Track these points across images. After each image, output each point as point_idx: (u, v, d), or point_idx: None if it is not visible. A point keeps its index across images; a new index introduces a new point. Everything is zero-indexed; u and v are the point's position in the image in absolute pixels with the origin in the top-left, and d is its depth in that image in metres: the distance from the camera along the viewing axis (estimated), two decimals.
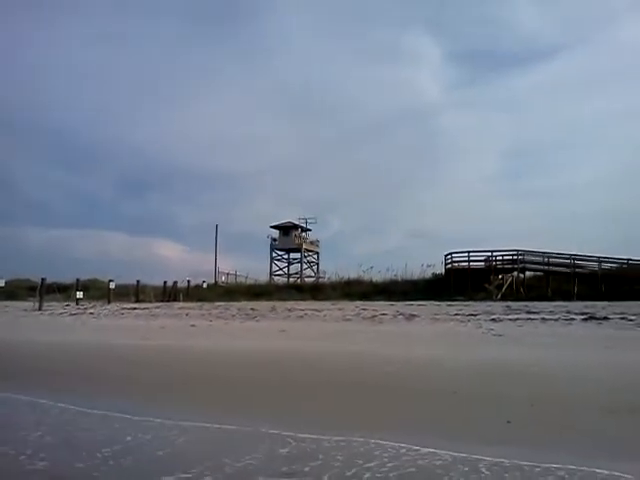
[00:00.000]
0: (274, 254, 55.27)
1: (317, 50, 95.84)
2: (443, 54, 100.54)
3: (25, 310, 27.46)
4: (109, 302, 32.30)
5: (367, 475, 4.69)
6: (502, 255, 35.95)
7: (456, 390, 8.05)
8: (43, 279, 31.66)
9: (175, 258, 74.65)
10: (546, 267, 35.05)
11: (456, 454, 5.22)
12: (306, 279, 51.22)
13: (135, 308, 27.24)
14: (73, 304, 31.37)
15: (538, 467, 4.81)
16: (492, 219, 79.76)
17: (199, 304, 29.25)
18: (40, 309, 28.17)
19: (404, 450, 5.40)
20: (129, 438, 6.02)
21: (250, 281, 45.77)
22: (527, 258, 35.36)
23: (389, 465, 4.94)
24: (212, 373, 10.22)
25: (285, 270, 56.00)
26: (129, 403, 7.80)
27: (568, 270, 34.25)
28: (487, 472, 4.74)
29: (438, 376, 9.26)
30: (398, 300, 28.14)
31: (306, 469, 4.90)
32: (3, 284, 26.78)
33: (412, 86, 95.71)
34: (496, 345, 12.42)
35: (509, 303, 24.38)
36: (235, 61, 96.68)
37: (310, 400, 7.96)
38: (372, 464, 4.97)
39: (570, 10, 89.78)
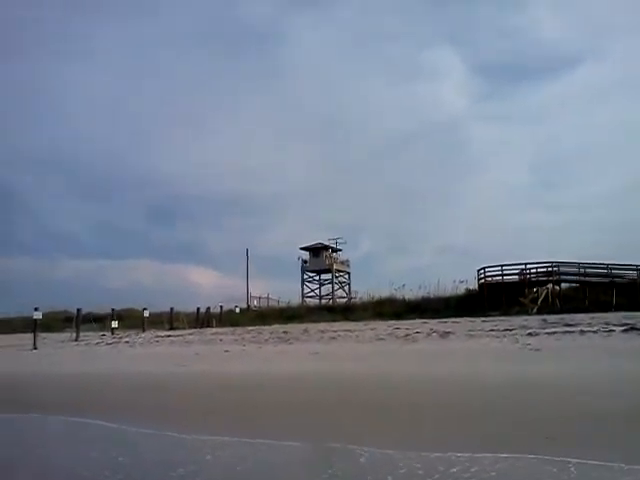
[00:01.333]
0: (305, 276, 55.25)
1: (340, 71, 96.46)
2: (467, 67, 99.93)
3: (62, 341, 27.89)
4: (144, 330, 32.57)
5: None
6: (536, 267, 35.31)
7: (494, 407, 7.91)
8: (79, 310, 32.11)
9: (207, 284, 75.08)
10: (582, 278, 34.37)
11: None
12: (338, 300, 51.06)
13: (169, 335, 27.43)
14: (109, 334, 31.75)
15: None
16: (523, 232, 78.32)
17: (232, 329, 29.32)
18: (77, 340, 28.59)
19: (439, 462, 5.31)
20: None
21: (282, 304, 45.78)
22: (562, 269, 34.68)
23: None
24: (248, 397, 10.24)
25: (317, 292, 55.92)
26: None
27: (605, 280, 33.53)
28: None
29: (475, 393, 9.12)
30: (431, 317, 27.82)
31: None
32: (40, 316, 27.19)
33: (436, 101, 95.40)
34: (533, 360, 12.19)
35: (545, 316, 23.87)
36: (259, 86, 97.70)
37: (352, 420, 7.90)
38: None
39: (593, 18, 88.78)
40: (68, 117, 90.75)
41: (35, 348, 24.52)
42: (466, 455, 5.80)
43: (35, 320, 26.44)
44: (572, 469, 5.25)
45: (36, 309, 26.75)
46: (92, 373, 15.42)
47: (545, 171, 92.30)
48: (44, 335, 28.51)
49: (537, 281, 35.15)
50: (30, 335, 26.62)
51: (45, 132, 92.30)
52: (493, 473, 5.21)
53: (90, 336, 30.21)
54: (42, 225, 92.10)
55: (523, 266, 35.24)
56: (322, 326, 26.22)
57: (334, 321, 30.77)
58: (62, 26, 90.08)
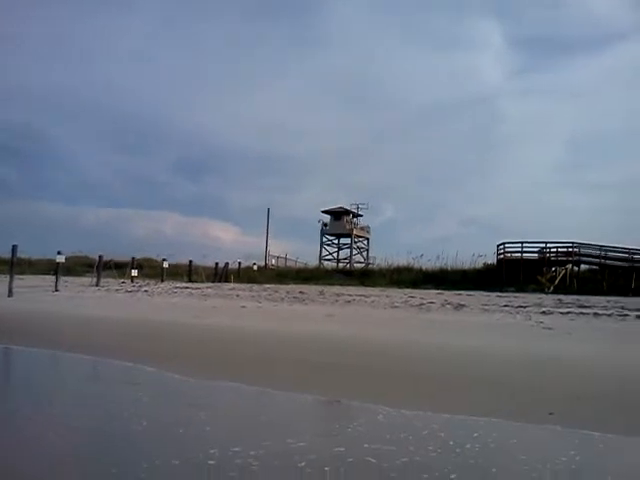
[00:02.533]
0: (324, 239, 55.43)
1: (374, 38, 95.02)
2: (505, 39, 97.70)
3: (83, 286, 28.60)
4: (162, 281, 33.23)
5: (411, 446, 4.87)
6: (557, 247, 35.11)
7: (502, 381, 8.09)
8: (100, 256, 32.79)
9: (227, 240, 76.02)
10: (602, 260, 34.15)
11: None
12: (355, 265, 51.35)
13: (187, 287, 27.97)
14: (128, 281, 32.47)
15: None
16: (549, 210, 77.73)
17: (249, 286, 29.75)
18: (97, 285, 29.27)
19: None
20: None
21: (300, 265, 46.25)
22: (583, 251, 34.44)
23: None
24: (264, 352, 10.56)
25: (335, 255, 56.24)
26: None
27: (626, 264, 33.29)
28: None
29: (483, 366, 9.29)
30: (447, 289, 27.98)
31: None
32: (63, 260, 27.81)
33: (472, 72, 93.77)
34: (545, 338, 12.30)
35: (561, 296, 23.89)
36: (291, 50, 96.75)
37: (365, 381, 8.16)
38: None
39: None
40: (106, 68, 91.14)
41: (57, 290, 25.18)
42: (472, 419, 6.11)
43: (58, 263, 27.06)
44: (571, 440, 5.48)
45: (59, 252, 27.35)
46: (109, 317, 15.90)
47: (581, 149, 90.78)
48: (66, 279, 29.23)
49: (556, 260, 35.01)
50: (52, 277, 27.34)
51: (81, 81, 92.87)
52: (493, 437, 5.46)
53: (110, 282, 30.92)
54: (72, 173, 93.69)
55: (543, 244, 35.07)
56: (338, 289, 26.54)
57: (350, 285, 31.09)
58: None
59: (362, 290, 26.86)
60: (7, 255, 27.34)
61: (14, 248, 25.11)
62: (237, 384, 7.87)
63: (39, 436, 5.39)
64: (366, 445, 5.12)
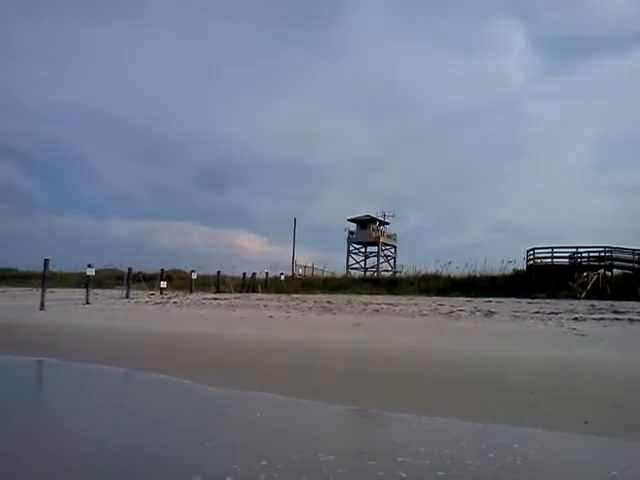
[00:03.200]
0: (351, 247, 55.33)
1: (396, 44, 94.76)
2: (528, 41, 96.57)
3: (113, 298, 28.95)
4: (191, 292, 33.44)
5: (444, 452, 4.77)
6: (588, 252, 34.45)
7: (534, 389, 7.92)
8: (130, 269, 33.15)
9: (254, 250, 76.26)
10: (636, 265, 33.41)
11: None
12: (383, 273, 51.11)
13: (216, 298, 28.10)
14: (157, 293, 32.76)
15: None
16: (578, 214, 76.56)
17: (277, 296, 29.77)
18: (127, 297, 29.59)
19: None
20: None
21: (327, 274, 46.17)
22: (615, 255, 33.74)
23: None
24: (291, 361, 10.53)
25: (361, 264, 56.08)
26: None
27: None
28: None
29: (516, 374, 9.13)
30: (476, 296, 27.62)
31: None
32: (94, 273, 28.19)
33: (495, 76, 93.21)
34: (578, 345, 12.05)
35: (594, 302, 23.39)
36: (312, 57, 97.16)
37: (393, 390, 8.07)
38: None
39: None
40: (129, 79, 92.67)
41: (88, 303, 25.52)
42: (506, 428, 5.98)
43: (88, 276, 27.43)
44: (608, 450, 5.32)
45: (89, 266, 27.71)
46: (139, 329, 16.04)
47: (608, 151, 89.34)
48: (96, 291, 29.61)
49: (588, 266, 34.32)
50: (83, 290, 27.74)
51: (105, 94, 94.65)
52: (535, 447, 5.32)
53: (139, 294, 31.21)
54: (100, 185, 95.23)
55: (574, 249, 34.44)
56: (365, 298, 26.38)
57: (378, 294, 30.89)
58: None
59: (390, 299, 26.67)
60: (39, 269, 27.84)
61: (46, 262, 25.56)
62: (267, 394, 7.85)
63: (76, 446, 5.43)
64: (400, 459, 4.97)
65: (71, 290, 32.96)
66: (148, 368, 10.07)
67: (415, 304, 22.65)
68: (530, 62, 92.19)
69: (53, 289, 30.13)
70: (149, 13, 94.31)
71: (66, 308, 23.39)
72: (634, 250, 33.61)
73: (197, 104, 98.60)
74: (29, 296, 27.99)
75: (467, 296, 28.21)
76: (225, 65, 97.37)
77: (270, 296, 29.86)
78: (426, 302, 23.73)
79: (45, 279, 25.07)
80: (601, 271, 33.88)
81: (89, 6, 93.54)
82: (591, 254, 34.34)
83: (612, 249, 33.72)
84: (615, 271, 34.38)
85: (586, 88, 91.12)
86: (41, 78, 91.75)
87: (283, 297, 28.32)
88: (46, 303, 23.27)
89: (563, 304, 22.14)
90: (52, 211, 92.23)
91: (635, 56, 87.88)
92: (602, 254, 33.86)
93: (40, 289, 24.41)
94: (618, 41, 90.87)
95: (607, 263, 33.75)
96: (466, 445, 5.44)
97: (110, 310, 22.68)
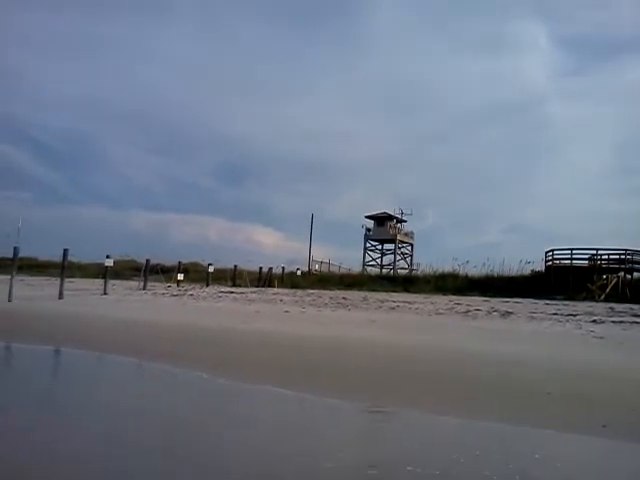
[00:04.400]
0: (368, 244, 55.14)
1: (416, 43, 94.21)
2: (551, 40, 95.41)
3: (131, 289, 29.18)
4: (207, 285, 33.61)
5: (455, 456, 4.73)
6: (608, 254, 34.05)
7: (551, 391, 7.84)
8: (147, 260, 33.37)
9: (271, 245, 76.44)
10: None
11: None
12: (399, 271, 50.92)
13: (232, 292, 28.20)
14: (174, 285, 32.96)
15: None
16: (598, 216, 75.51)
17: (293, 291, 29.83)
18: (144, 289, 29.81)
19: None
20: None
21: (343, 270, 46.09)
22: (636, 258, 33.35)
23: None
24: (306, 357, 10.54)
25: (378, 261, 55.90)
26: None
27: None
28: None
29: (533, 375, 9.04)
30: (493, 296, 27.42)
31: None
32: (112, 264, 28.40)
33: (516, 75, 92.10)
34: (596, 348, 11.91)
35: (613, 305, 23.11)
36: (333, 56, 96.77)
37: (408, 387, 8.04)
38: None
39: None
40: (150, 74, 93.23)
41: (105, 293, 25.74)
42: (524, 429, 5.91)
43: (106, 267, 27.66)
44: (627, 455, 5.24)
45: (108, 256, 27.92)
46: (155, 321, 16.14)
47: (631, 153, 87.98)
48: (113, 282, 29.86)
49: (608, 268, 33.93)
50: (101, 281, 27.98)
51: (126, 87, 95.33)
52: (552, 450, 5.26)
53: (156, 286, 31.45)
54: (119, 177, 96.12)
55: (594, 251, 34.04)
56: (382, 296, 26.32)
57: (394, 291, 30.80)
58: None
59: (406, 296, 26.58)
60: (58, 259, 28.11)
61: (65, 252, 25.79)
62: (280, 390, 7.87)
63: (88, 439, 5.48)
64: (410, 464, 4.88)
65: (90, 280, 33.31)
66: (163, 360, 10.14)
67: (432, 303, 22.56)
68: (553, 62, 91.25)
69: (72, 279, 30.45)
70: (174, 11, 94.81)
71: (84, 298, 23.62)
72: None
73: (219, 101, 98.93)
74: (48, 285, 28.30)
75: (484, 296, 28.03)
76: (246, 63, 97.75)
77: (286, 291, 29.92)
78: (443, 301, 23.62)
79: (64, 269, 25.31)
80: (621, 274, 33.49)
81: (117, 3, 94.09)
82: (611, 257, 33.95)
83: (633, 252, 33.30)
84: (635, 274, 33.96)
85: (609, 89, 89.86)
86: (64, 70, 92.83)
87: (299, 292, 28.36)
88: (65, 292, 23.50)
89: (581, 306, 21.91)
90: (72, 201, 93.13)
91: None
92: (622, 257, 33.45)
93: (59, 279, 24.65)
94: None
95: (627, 266, 33.34)
96: (482, 446, 5.40)
97: (127, 301, 22.86)
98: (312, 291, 29.49)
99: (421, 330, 14.49)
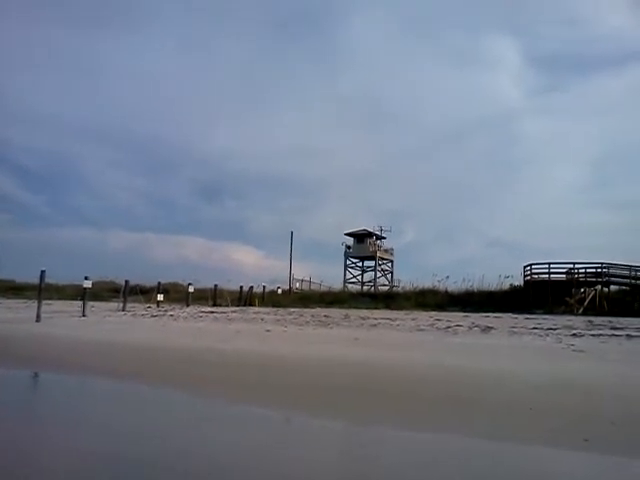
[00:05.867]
0: (348, 262, 55.25)
1: (392, 58, 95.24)
2: (524, 57, 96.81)
3: (110, 311, 28.81)
4: (188, 305, 33.34)
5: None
6: (585, 268, 34.50)
7: (532, 406, 7.87)
8: (127, 281, 33.07)
9: (251, 263, 76.09)
10: (633, 281, 33.46)
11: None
12: (380, 287, 51.03)
13: (212, 312, 28.01)
14: (154, 306, 32.63)
15: None
16: (576, 230, 76.57)
17: (274, 309, 29.70)
18: (124, 310, 29.47)
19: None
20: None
21: (324, 288, 46.08)
22: (612, 271, 33.82)
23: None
24: (286, 377, 10.47)
25: (359, 278, 56.03)
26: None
27: None
28: None
29: (514, 391, 9.08)
30: (474, 311, 27.59)
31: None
32: (90, 285, 28.08)
33: (491, 91, 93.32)
34: (576, 361, 12.01)
35: (591, 318, 23.36)
36: (310, 71, 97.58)
37: (388, 407, 8.02)
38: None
39: None
40: (130, 93, 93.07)
41: (84, 315, 25.38)
42: (507, 445, 5.93)
43: (85, 288, 27.32)
44: (609, 470, 5.26)
45: (86, 278, 27.60)
46: (135, 343, 15.95)
47: (605, 167, 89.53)
48: (92, 304, 29.47)
49: (585, 281, 34.36)
50: (79, 303, 27.60)
51: (107, 107, 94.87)
52: (535, 465, 5.27)
53: (136, 307, 31.10)
54: (96, 197, 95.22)
55: (571, 265, 34.48)
56: (363, 313, 26.33)
57: (375, 308, 30.85)
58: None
59: (387, 313, 26.62)
60: (35, 280, 27.68)
61: (42, 274, 25.42)
62: (261, 410, 7.80)
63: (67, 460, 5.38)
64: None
65: (68, 302, 32.81)
66: (142, 381, 10.01)
67: (413, 319, 22.61)
68: (526, 78, 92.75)
69: (49, 301, 29.96)
70: (152, 28, 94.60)
71: (62, 320, 23.25)
72: (631, 266, 33.72)
73: (197, 118, 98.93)
74: (25, 308, 27.86)
75: (464, 311, 28.20)
76: (225, 79, 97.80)
77: (267, 310, 29.78)
78: (424, 317, 23.69)
79: (41, 291, 24.93)
80: (598, 287, 33.93)
81: (94, 18, 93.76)
82: (588, 270, 34.40)
83: (609, 265, 33.80)
84: (612, 287, 34.43)
85: (583, 105, 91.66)
86: (42, 89, 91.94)
87: (280, 311, 28.24)
88: (42, 315, 23.13)
89: (561, 320, 22.13)
90: (50, 222, 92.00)
91: (633, 73, 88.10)
92: (599, 270, 33.92)
93: (36, 301, 24.26)
94: (616, 58, 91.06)
95: (604, 279, 33.81)
96: (459, 463, 5.40)
97: (106, 323, 22.56)
98: (293, 309, 29.40)
99: (403, 347, 14.49)
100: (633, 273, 33.56)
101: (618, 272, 34.08)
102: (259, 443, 6.35)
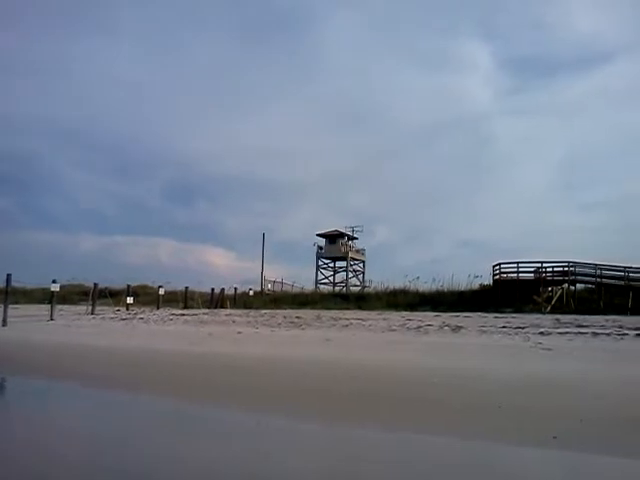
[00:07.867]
0: (320, 262, 55.27)
1: (365, 60, 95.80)
2: (495, 60, 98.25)
3: (78, 314, 28.37)
4: (158, 308, 32.99)
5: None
6: (552, 266, 35.05)
7: (501, 404, 7.99)
8: (95, 284, 32.62)
9: (223, 265, 75.64)
10: (598, 279, 34.14)
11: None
12: (352, 288, 51.17)
13: (183, 314, 27.76)
14: (124, 309, 32.23)
15: None
16: (543, 230, 77.92)
17: (246, 311, 29.56)
18: (93, 313, 29.05)
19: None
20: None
21: (296, 289, 46.04)
22: (578, 270, 34.39)
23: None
24: (258, 380, 10.44)
25: (331, 279, 56.04)
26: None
27: (622, 283, 33.24)
28: None
29: (483, 389, 9.20)
30: (444, 311, 27.85)
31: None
32: (58, 288, 27.62)
33: (462, 93, 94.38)
34: (544, 359, 12.22)
35: (558, 316, 23.75)
36: (283, 73, 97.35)
37: (357, 408, 8.05)
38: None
39: (630, 11, 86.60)
40: (99, 95, 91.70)
41: (52, 319, 24.96)
42: (473, 444, 6.00)
43: (52, 292, 26.88)
44: (577, 465, 5.38)
45: (54, 281, 27.18)
46: (104, 346, 15.74)
47: (574, 168, 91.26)
48: (61, 307, 28.99)
49: (552, 280, 34.94)
50: (47, 306, 27.12)
51: (76, 109, 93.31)
52: (504, 463, 5.34)
53: (105, 310, 30.69)
54: (64, 200, 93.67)
55: (539, 264, 35.03)
56: (335, 313, 26.38)
57: (347, 309, 30.93)
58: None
59: (359, 314, 26.71)
60: (1, 284, 27.11)
61: (8, 277, 24.91)
62: (232, 413, 7.77)
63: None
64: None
65: (35, 306, 32.22)
66: (110, 385, 9.89)
67: (384, 319, 22.74)
68: (496, 80, 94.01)
69: (16, 305, 29.38)
70: (123, 30, 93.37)
71: (30, 324, 22.85)
72: (596, 265, 34.35)
73: (167, 119, 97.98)
74: None
75: (435, 311, 28.44)
76: (196, 81, 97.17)
77: (239, 312, 29.63)
78: (395, 317, 23.83)
79: (8, 294, 24.43)
80: (565, 286, 34.54)
81: (60, 20, 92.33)
82: (555, 269, 34.97)
83: (575, 264, 34.41)
84: (578, 286, 35.07)
85: (552, 106, 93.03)
86: (8, 90, 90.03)
87: (252, 313, 28.14)
88: (9, 319, 22.68)
89: (529, 318, 22.48)
90: (18, 225, 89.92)
91: (601, 75, 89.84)
92: (566, 269, 34.52)
93: (2, 305, 23.77)
94: (584, 60, 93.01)
95: (571, 278, 34.42)
96: (428, 461, 5.46)
97: (75, 326, 22.23)
98: (265, 311, 29.32)
99: (376, 348, 14.57)
100: (599, 272, 34.21)
101: (584, 271, 34.71)
102: (226, 447, 6.32)
